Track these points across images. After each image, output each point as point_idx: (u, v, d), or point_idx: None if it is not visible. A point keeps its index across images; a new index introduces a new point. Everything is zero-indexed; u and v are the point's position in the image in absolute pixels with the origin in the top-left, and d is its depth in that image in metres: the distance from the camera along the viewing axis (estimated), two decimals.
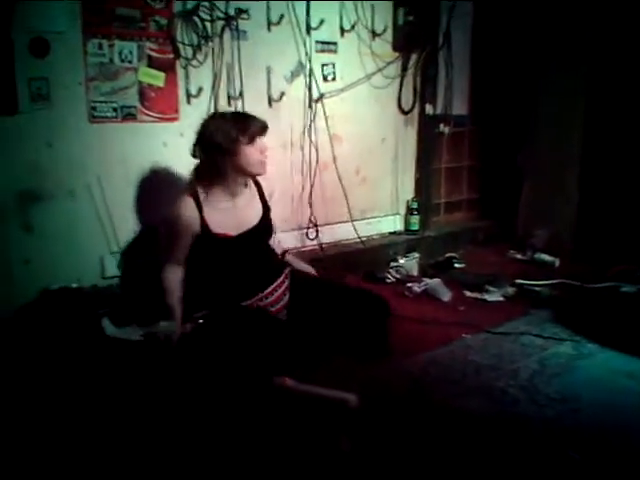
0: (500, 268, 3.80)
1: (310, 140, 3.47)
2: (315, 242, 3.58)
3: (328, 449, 1.75)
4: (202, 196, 2.35)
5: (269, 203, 2.58)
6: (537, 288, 3.36)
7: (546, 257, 3.93)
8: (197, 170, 2.40)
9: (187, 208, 2.32)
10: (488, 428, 1.89)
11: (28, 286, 2.61)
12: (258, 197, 2.54)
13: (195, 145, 2.37)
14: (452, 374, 2.27)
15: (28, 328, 2.41)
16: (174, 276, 2.41)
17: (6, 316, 2.47)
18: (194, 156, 2.39)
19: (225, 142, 2.29)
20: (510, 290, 3.32)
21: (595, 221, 4.22)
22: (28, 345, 2.30)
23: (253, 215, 2.49)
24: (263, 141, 2.40)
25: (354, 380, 2.13)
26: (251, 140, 2.34)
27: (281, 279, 2.49)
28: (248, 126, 2.34)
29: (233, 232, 2.39)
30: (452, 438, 1.83)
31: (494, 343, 2.59)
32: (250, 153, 2.34)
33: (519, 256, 4.08)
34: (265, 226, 2.52)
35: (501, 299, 3.23)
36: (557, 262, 3.86)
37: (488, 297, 3.25)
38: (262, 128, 2.39)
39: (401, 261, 3.74)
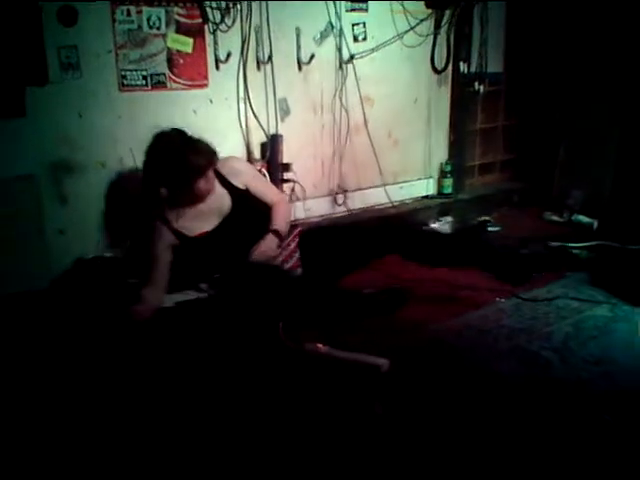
0: (536, 231, 3.73)
1: (341, 103, 3.43)
2: (344, 208, 3.56)
3: (362, 413, 1.77)
4: (171, 215, 2.53)
5: (240, 184, 2.63)
6: (575, 250, 3.29)
7: (584, 218, 3.83)
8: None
9: (159, 234, 2.51)
10: (520, 391, 1.88)
11: (63, 256, 2.68)
12: (222, 187, 2.60)
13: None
14: (485, 338, 2.25)
15: (63, 298, 2.48)
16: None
17: (43, 286, 2.54)
18: None
19: (170, 183, 2.46)
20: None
21: (634, 181, 4.09)
22: (64, 315, 2.37)
23: (224, 204, 2.59)
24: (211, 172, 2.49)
25: (386, 346, 2.14)
26: (200, 176, 2.44)
27: (290, 238, 2.67)
28: (196, 164, 2.41)
29: (209, 227, 2.55)
30: (485, 402, 1.82)
31: (529, 307, 2.55)
32: (197, 187, 2.47)
33: (555, 218, 3.99)
34: (241, 207, 2.60)
35: None
36: (595, 223, 3.76)
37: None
38: (210, 162, 2.46)
39: (434, 225, 3.70)
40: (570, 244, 3.35)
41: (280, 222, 2.63)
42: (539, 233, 3.65)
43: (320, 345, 2.12)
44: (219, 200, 2.59)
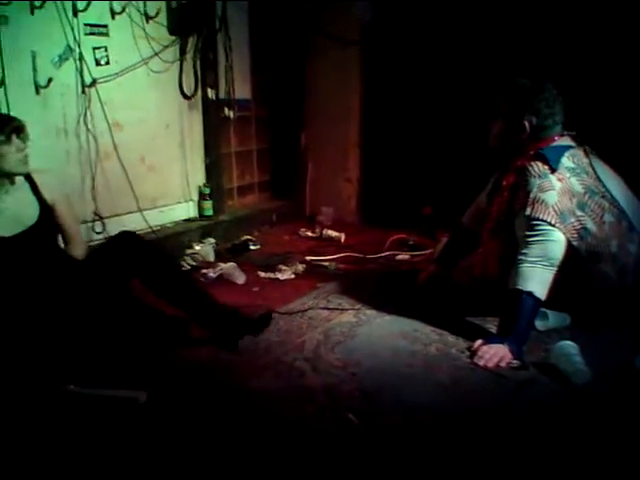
0: (292, 247, 3.96)
1: (87, 128, 3.29)
2: (102, 236, 3.42)
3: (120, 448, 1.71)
4: None
5: (49, 199, 2.42)
6: (325, 263, 3.57)
7: (333, 233, 4.16)
8: None
9: None
10: (275, 404, 1.97)
11: None
12: (32, 194, 2.38)
13: None
14: (242, 356, 2.32)
15: None
16: None
17: None
18: None
19: None
20: (301, 267, 3.47)
21: (375, 196, 4.58)
22: None
23: (29, 214, 2.35)
24: (20, 139, 2.27)
25: (146, 376, 2.10)
26: (7, 140, 2.22)
27: None
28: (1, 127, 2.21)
29: (7, 233, 2.27)
30: (243, 420, 1.87)
31: (284, 320, 2.69)
32: (6, 152, 2.22)
33: (309, 234, 4.28)
34: (47, 224, 2.40)
35: (293, 276, 3.36)
36: (343, 237, 4.11)
37: (281, 276, 3.36)
38: (17, 127, 2.26)
39: (197, 248, 3.72)
40: (319, 257, 3.62)
41: None
42: (296, 249, 3.90)
43: (72, 386, 2.01)
44: (27, 205, 2.35)
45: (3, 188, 2.31)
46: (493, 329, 2.48)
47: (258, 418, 1.88)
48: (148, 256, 2.40)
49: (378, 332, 2.54)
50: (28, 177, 2.38)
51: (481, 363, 2.19)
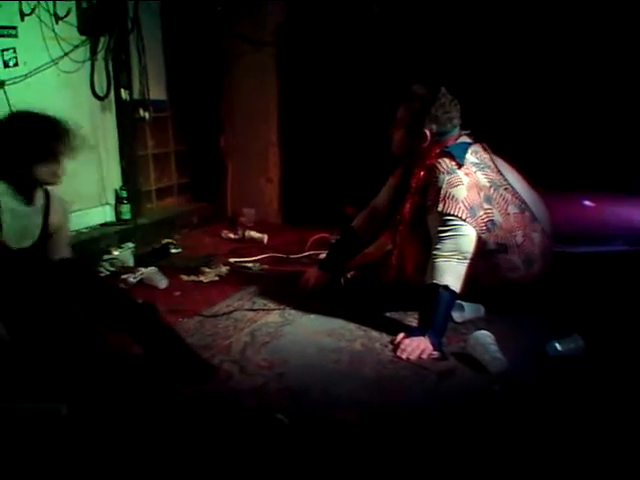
0: (215, 249, 3.93)
1: None
2: None
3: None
4: None
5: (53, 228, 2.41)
6: (248, 264, 3.56)
7: (255, 234, 4.16)
8: None
9: None
10: (204, 407, 1.96)
11: None
12: (42, 218, 2.38)
13: None
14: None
15: None
16: None
17: None
18: None
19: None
20: (224, 269, 3.45)
21: (296, 196, 4.62)
22: None
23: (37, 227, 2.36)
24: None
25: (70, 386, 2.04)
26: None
27: None
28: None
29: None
30: (175, 425, 1.85)
31: (209, 323, 2.67)
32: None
33: (232, 235, 4.25)
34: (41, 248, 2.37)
35: (216, 279, 3.34)
36: (265, 238, 4.12)
37: (204, 279, 3.33)
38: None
39: (115, 253, 3.61)
40: (243, 259, 3.62)
41: None
42: (218, 251, 3.87)
43: None
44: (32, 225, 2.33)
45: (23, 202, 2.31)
46: (414, 323, 2.57)
47: (187, 423, 1.86)
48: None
49: (304, 331, 2.57)
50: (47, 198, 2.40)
51: (404, 356, 2.27)
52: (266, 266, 3.54)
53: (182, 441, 1.77)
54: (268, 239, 4.12)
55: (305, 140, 4.51)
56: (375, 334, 2.51)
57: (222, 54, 4.53)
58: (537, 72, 4.30)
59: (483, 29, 4.05)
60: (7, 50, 3.20)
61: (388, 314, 2.72)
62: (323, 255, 3.29)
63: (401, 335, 2.37)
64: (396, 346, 2.33)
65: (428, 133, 2.49)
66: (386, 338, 2.45)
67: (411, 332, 2.38)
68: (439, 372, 2.17)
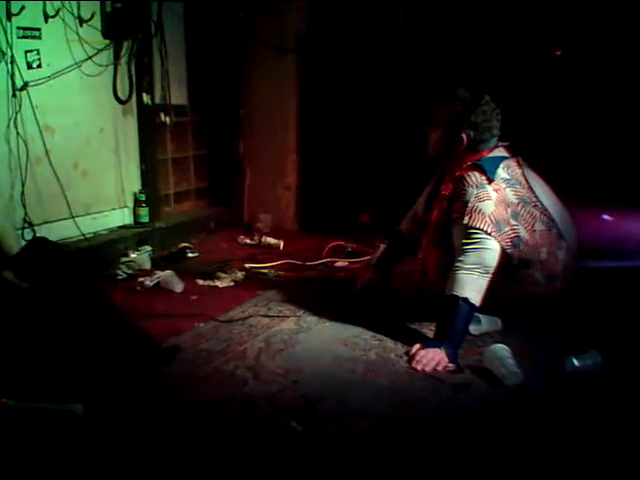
0: (231, 254, 3.94)
1: (17, 132, 3.17)
2: None
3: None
4: None
5: None
6: (264, 270, 3.57)
7: (271, 240, 4.17)
8: None
9: None
10: (218, 414, 1.96)
11: None
12: None
13: None
14: (183, 366, 2.29)
15: None
16: None
17: None
18: None
19: None
20: (240, 275, 3.46)
21: (313, 203, 4.62)
22: None
23: None
24: None
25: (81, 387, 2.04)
26: None
27: None
28: None
29: None
30: (188, 431, 1.85)
31: (225, 328, 2.67)
32: None
33: (248, 241, 4.26)
34: None
35: (232, 284, 3.35)
36: (281, 244, 4.12)
37: (220, 284, 3.34)
38: None
39: (132, 255, 3.65)
40: (259, 265, 3.62)
41: None
42: (234, 256, 3.88)
43: (4, 400, 1.94)
44: None
45: None
46: (430, 334, 2.55)
47: (201, 430, 1.86)
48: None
49: (319, 339, 2.57)
50: None
51: (419, 367, 2.25)
52: (282, 272, 3.54)
53: (196, 445, 1.77)
54: (284, 245, 4.12)
55: (323, 147, 4.52)
56: (390, 344, 2.50)
57: (243, 59, 4.55)
58: (546, 82, 4.30)
59: (502, 36, 4.03)
60: (31, 51, 3.23)
61: (404, 324, 2.70)
62: (376, 255, 3.25)
63: (417, 346, 2.35)
64: (411, 357, 2.32)
65: (465, 138, 2.48)
66: (401, 349, 2.44)
67: (427, 343, 2.36)
68: (454, 384, 2.15)
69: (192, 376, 2.22)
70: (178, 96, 4.18)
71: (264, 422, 1.91)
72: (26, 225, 3.27)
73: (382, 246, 3.20)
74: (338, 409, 1.99)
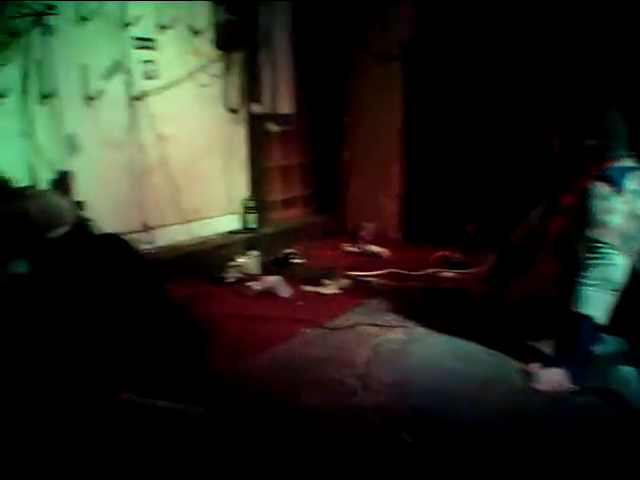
0: (335, 261, 3.94)
1: (136, 140, 3.33)
2: (150, 246, 3.44)
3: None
4: None
5: None
6: (369, 279, 3.53)
7: (375, 248, 4.13)
8: None
9: None
10: (327, 421, 1.94)
11: None
12: None
13: None
14: (293, 371, 2.30)
15: None
16: None
17: None
18: None
19: None
20: (345, 282, 3.44)
21: (418, 212, 4.53)
22: None
23: None
24: None
25: (199, 389, 2.08)
26: None
27: None
28: None
29: None
30: (295, 437, 1.85)
31: (331, 335, 2.66)
32: None
33: (352, 249, 4.25)
34: None
35: (337, 291, 3.34)
36: (385, 253, 4.07)
37: (325, 290, 3.33)
38: None
39: (241, 260, 3.73)
40: (363, 273, 3.58)
41: None
42: (338, 263, 3.86)
43: (132, 395, 2.01)
44: None
45: None
46: (548, 351, 2.40)
47: (310, 436, 1.85)
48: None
49: (428, 351, 2.50)
50: None
51: (538, 387, 2.14)
52: (386, 281, 3.49)
53: (308, 452, 1.76)
54: (388, 254, 4.06)
55: (428, 156, 4.43)
56: (505, 360, 2.39)
57: (349, 68, 4.56)
58: None
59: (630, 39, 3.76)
60: (147, 62, 3.38)
61: (519, 339, 2.57)
62: (486, 267, 3.13)
63: (535, 364, 2.24)
64: (529, 375, 2.20)
65: (590, 146, 2.35)
66: (517, 365, 2.32)
67: (547, 362, 2.24)
68: (576, 407, 2.02)
69: (301, 381, 2.22)
70: (285, 105, 4.25)
71: (374, 432, 1.87)
72: (145, 229, 3.42)
73: (492, 258, 3.08)
74: (448, 423, 1.92)
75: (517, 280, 2.74)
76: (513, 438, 1.84)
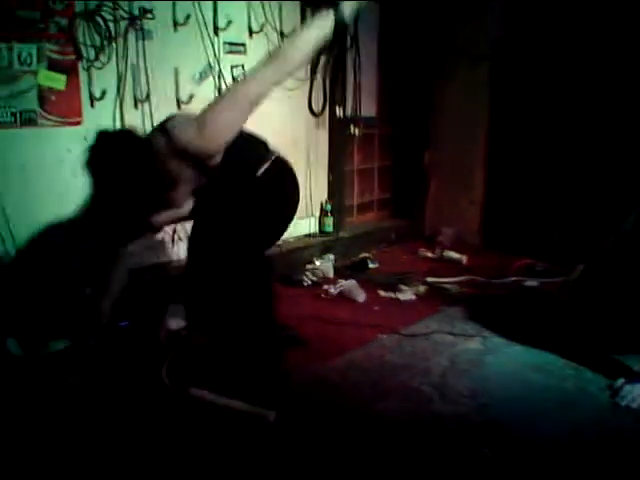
0: (412, 267, 3.90)
1: None
2: None
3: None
4: None
5: None
6: (447, 285, 3.48)
7: (454, 254, 4.06)
8: None
9: None
10: (404, 430, 1.93)
11: None
12: None
13: None
14: (369, 377, 2.30)
15: None
16: None
17: None
18: None
19: None
20: (422, 288, 3.41)
21: (499, 218, 4.43)
22: None
23: None
24: None
25: (272, 391, 2.11)
26: None
27: None
28: None
29: None
30: (370, 444, 1.85)
31: (408, 342, 2.65)
32: None
33: (429, 254, 4.20)
34: None
35: (413, 297, 3.31)
36: (464, 259, 4.00)
37: (401, 296, 3.32)
38: None
39: (317, 263, 3.76)
40: (441, 279, 3.54)
41: None
42: (415, 269, 3.83)
43: (206, 391, 2.07)
44: None
45: None
46: (635, 366, 2.29)
47: (387, 442, 1.85)
48: None
49: (507, 362, 2.44)
50: None
51: (624, 404, 2.05)
52: (465, 289, 3.43)
53: (384, 460, 1.76)
54: (467, 260, 3.99)
55: (513, 161, 4.31)
56: (589, 375, 2.30)
57: (434, 69, 4.51)
58: None
59: None
60: (237, 67, 3.47)
61: (604, 353, 2.46)
62: (574, 277, 3.02)
63: (622, 380, 2.15)
64: (615, 392, 2.11)
65: None
66: (602, 381, 2.24)
67: (635, 378, 2.14)
68: None
69: (377, 387, 2.22)
70: (368, 108, 4.24)
71: (453, 444, 1.85)
72: None
73: (580, 267, 2.96)
74: (530, 439, 1.87)
75: (604, 290, 2.63)
76: (601, 459, 1.78)
